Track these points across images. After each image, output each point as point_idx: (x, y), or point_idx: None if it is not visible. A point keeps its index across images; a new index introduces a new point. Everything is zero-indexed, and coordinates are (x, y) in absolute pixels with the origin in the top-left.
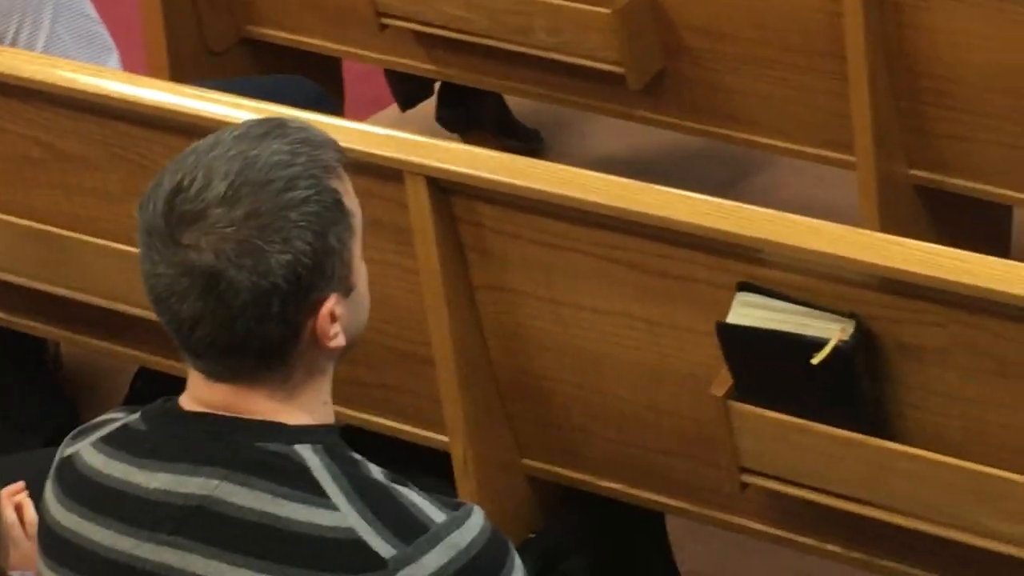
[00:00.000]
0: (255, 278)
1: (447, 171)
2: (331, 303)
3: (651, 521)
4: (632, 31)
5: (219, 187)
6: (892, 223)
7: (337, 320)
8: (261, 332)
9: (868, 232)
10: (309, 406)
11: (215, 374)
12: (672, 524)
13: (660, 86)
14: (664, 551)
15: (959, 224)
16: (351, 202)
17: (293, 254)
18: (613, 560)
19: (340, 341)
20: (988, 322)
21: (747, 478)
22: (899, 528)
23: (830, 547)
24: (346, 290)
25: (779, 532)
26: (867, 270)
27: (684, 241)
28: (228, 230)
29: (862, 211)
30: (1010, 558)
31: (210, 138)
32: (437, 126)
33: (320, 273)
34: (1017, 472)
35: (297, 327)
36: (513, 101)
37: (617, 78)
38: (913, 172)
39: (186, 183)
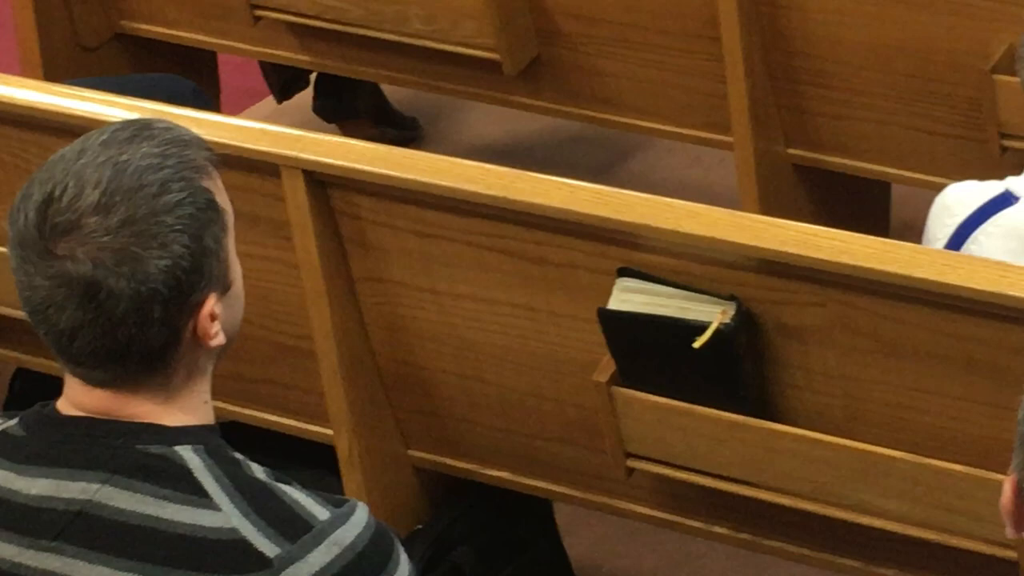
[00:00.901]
0: (135, 285)
1: (323, 164)
2: (211, 303)
3: (539, 508)
4: (506, 17)
5: (92, 196)
6: (771, 203)
7: (217, 319)
8: (143, 338)
9: (746, 214)
10: (189, 407)
11: (95, 380)
12: (560, 510)
13: (536, 71)
14: (552, 537)
15: (838, 202)
16: (223, 200)
17: (171, 259)
18: (501, 548)
19: (220, 340)
20: (867, 301)
21: (632, 463)
22: (785, 508)
23: (717, 529)
24: (224, 288)
25: (666, 516)
26: (746, 252)
27: (563, 228)
28: (104, 239)
29: (741, 191)
30: (893, 534)
31: (76, 144)
32: (314, 117)
33: (199, 275)
34: (898, 449)
35: (178, 330)
36: (390, 89)
37: (493, 64)
38: (791, 151)
39: (57, 193)
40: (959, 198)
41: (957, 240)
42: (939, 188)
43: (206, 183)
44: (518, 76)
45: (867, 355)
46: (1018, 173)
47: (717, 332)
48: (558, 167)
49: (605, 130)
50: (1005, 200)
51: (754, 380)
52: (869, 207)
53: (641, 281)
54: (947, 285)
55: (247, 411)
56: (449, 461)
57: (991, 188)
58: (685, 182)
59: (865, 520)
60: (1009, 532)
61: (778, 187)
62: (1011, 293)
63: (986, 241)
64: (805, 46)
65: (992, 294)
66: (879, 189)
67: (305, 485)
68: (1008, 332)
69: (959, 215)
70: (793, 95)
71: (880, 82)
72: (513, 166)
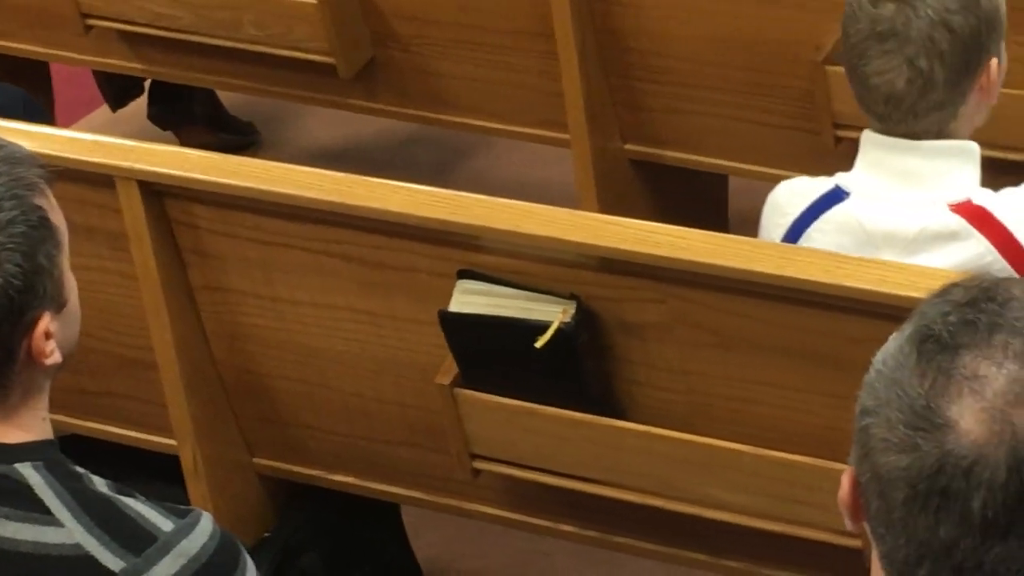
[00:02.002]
0: None
1: (158, 174)
2: (45, 322)
3: (386, 512)
4: (339, 21)
5: None
6: (609, 198)
7: (52, 337)
8: None
9: (583, 213)
10: (28, 424)
11: None
12: (408, 513)
13: (371, 74)
14: (401, 540)
15: (677, 195)
16: (56, 217)
17: (3, 278)
18: (349, 553)
19: (56, 358)
20: (706, 296)
21: (478, 464)
22: (631, 504)
23: (564, 527)
24: (58, 306)
25: (514, 515)
26: (584, 251)
27: (401, 232)
28: None
29: (579, 188)
30: (739, 527)
31: None
32: (151, 124)
33: (32, 294)
34: (741, 442)
35: (12, 349)
36: (227, 94)
37: (328, 68)
38: (628, 147)
39: None
40: (790, 196)
41: (791, 238)
42: (775, 179)
43: (38, 201)
44: (353, 79)
45: (708, 350)
46: (851, 162)
47: (558, 331)
48: (397, 169)
49: (443, 130)
50: (836, 196)
51: (597, 378)
52: (707, 200)
53: (481, 283)
54: (785, 278)
55: (89, 424)
56: (294, 468)
57: (821, 184)
58: (524, 180)
59: (711, 513)
60: (848, 525)
61: (616, 183)
62: (848, 284)
63: (820, 238)
64: (639, 42)
65: (830, 285)
66: (716, 182)
67: (150, 497)
68: (846, 323)
69: (791, 213)
70: (628, 91)
71: (714, 76)
72: (352, 169)
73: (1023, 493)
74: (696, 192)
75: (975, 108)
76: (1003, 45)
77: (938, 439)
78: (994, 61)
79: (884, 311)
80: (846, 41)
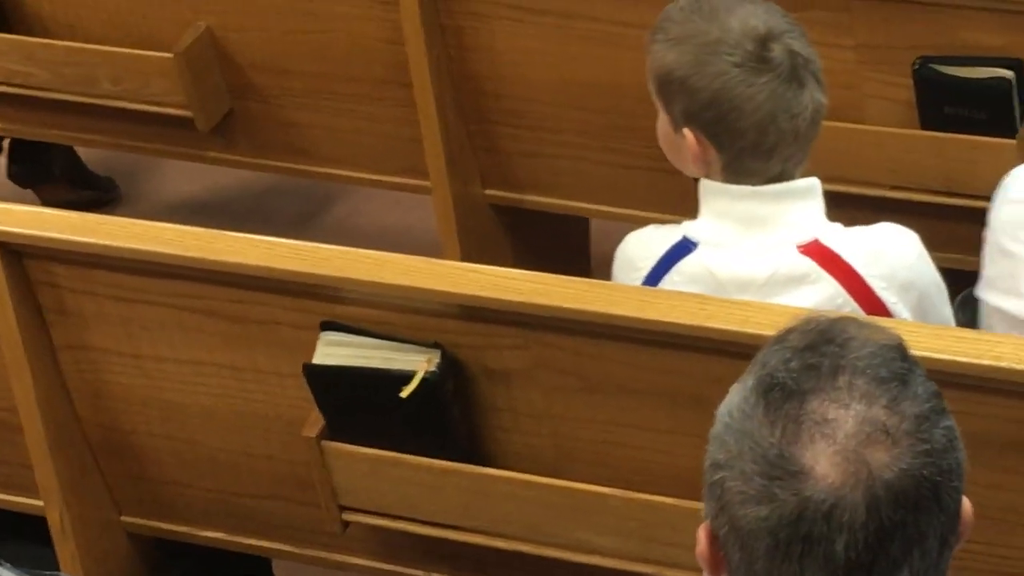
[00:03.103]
0: None
1: (16, 235)
2: None
3: (257, 566)
4: (196, 74)
5: None
6: (472, 244)
7: None
8: None
9: (443, 262)
10: None
11: None
12: (279, 567)
13: (230, 126)
14: None
15: (539, 239)
16: None
17: None
18: None
19: None
20: (569, 341)
21: (348, 516)
22: (501, 550)
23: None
24: None
25: (385, 566)
26: (446, 299)
27: (263, 285)
28: None
29: (441, 234)
30: (609, 570)
31: None
32: (9, 182)
33: None
34: (609, 485)
35: None
36: (85, 150)
37: (186, 121)
38: (488, 192)
39: None
40: (639, 250)
41: None
42: (636, 221)
43: None
44: (212, 131)
45: (573, 394)
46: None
47: (423, 381)
48: (258, 219)
49: (305, 180)
50: (684, 248)
51: (463, 425)
52: (569, 243)
53: (344, 334)
54: (647, 320)
55: None
56: (163, 525)
57: (669, 236)
58: (386, 227)
59: (580, 558)
60: None
61: (477, 228)
62: (711, 325)
63: (673, 290)
64: (496, 87)
65: (692, 327)
66: (577, 225)
67: (19, 560)
68: (710, 364)
69: (643, 268)
70: (487, 136)
71: (572, 119)
72: (213, 220)
73: (883, 531)
74: (558, 235)
75: None
76: None
77: (795, 486)
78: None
79: (748, 351)
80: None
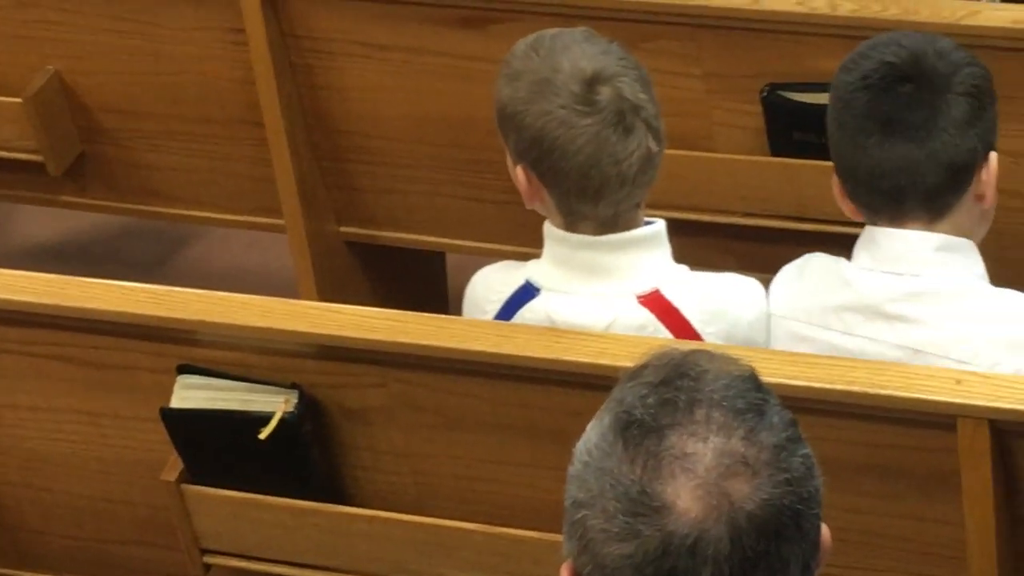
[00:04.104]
0: None
1: None
2: None
3: None
4: (46, 118)
5: None
6: (328, 282)
7: None
8: None
9: (299, 302)
10: None
11: None
12: None
13: (82, 170)
14: None
15: (395, 275)
16: None
17: None
18: None
19: None
20: (426, 378)
21: (209, 559)
22: None
23: None
24: None
25: None
26: (302, 340)
27: (119, 330)
28: None
29: (297, 273)
30: None
31: None
32: None
33: None
34: (471, 520)
35: None
36: None
37: (37, 166)
38: (343, 229)
39: None
40: (486, 293)
41: None
42: (492, 255)
43: None
44: (64, 175)
45: (432, 431)
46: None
47: (281, 421)
48: (114, 263)
49: (160, 222)
50: (528, 293)
51: (323, 465)
52: (426, 279)
53: (202, 377)
54: (504, 355)
55: None
56: (24, 575)
57: (513, 278)
58: (243, 267)
59: None
60: None
61: (334, 266)
62: (567, 358)
63: (528, 324)
64: (348, 124)
65: (548, 360)
66: (434, 260)
67: None
68: (568, 396)
69: (489, 311)
70: (341, 173)
71: (425, 154)
72: (69, 265)
73: (747, 561)
74: (414, 271)
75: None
76: None
77: (658, 522)
78: None
79: (604, 383)
80: None
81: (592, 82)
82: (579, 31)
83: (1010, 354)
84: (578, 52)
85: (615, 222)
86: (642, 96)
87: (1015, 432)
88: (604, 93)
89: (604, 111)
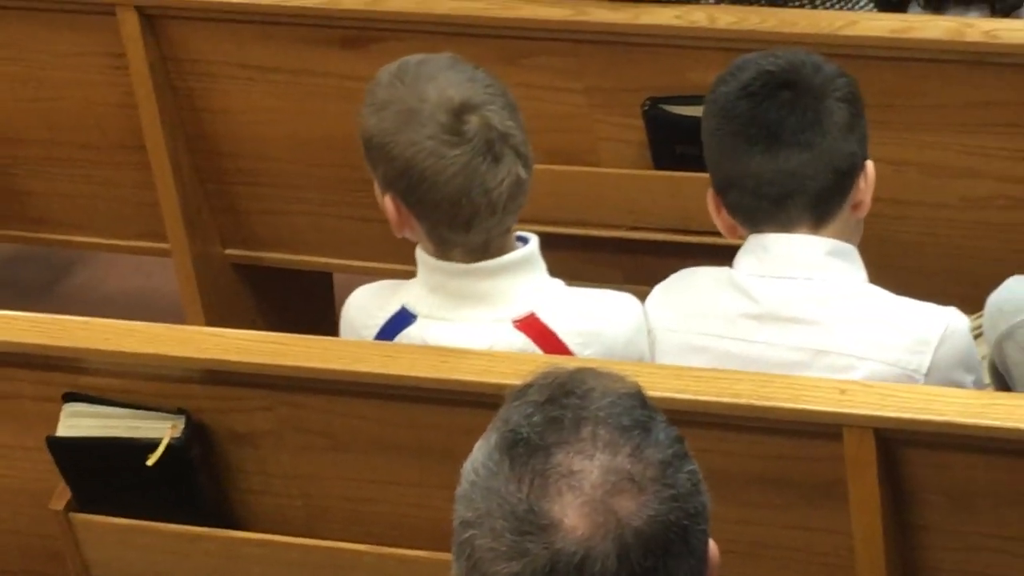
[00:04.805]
0: None
1: None
2: None
3: None
4: None
5: None
6: (215, 305)
7: None
8: None
9: (184, 327)
10: None
11: None
12: None
13: None
14: None
15: (282, 297)
16: None
17: None
18: None
19: None
20: (314, 400)
21: None
22: None
23: None
24: None
25: None
26: (188, 365)
27: (3, 359)
28: None
29: (183, 297)
30: None
31: None
32: None
33: None
34: (361, 542)
35: None
36: None
37: None
38: (228, 251)
39: None
40: (363, 318)
41: None
42: (378, 273)
43: None
44: None
45: (321, 453)
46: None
47: (169, 447)
48: (2, 289)
49: (46, 248)
50: (404, 319)
51: (213, 490)
52: (314, 299)
53: (88, 404)
54: (391, 376)
55: None
56: None
57: (389, 302)
58: (130, 292)
59: None
60: None
61: (220, 289)
62: (454, 377)
63: (415, 344)
64: (231, 147)
65: (436, 379)
66: (321, 280)
67: None
68: (454, 415)
69: (366, 336)
70: (225, 196)
71: (309, 175)
72: None
73: None
74: (302, 292)
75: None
76: None
77: (546, 540)
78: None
79: (491, 401)
80: None
81: (460, 112)
82: (444, 58)
83: (909, 355)
84: (444, 81)
85: (486, 248)
86: (510, 123)
87: (900, 440)
88: (472, 122)
89: (473, 141)
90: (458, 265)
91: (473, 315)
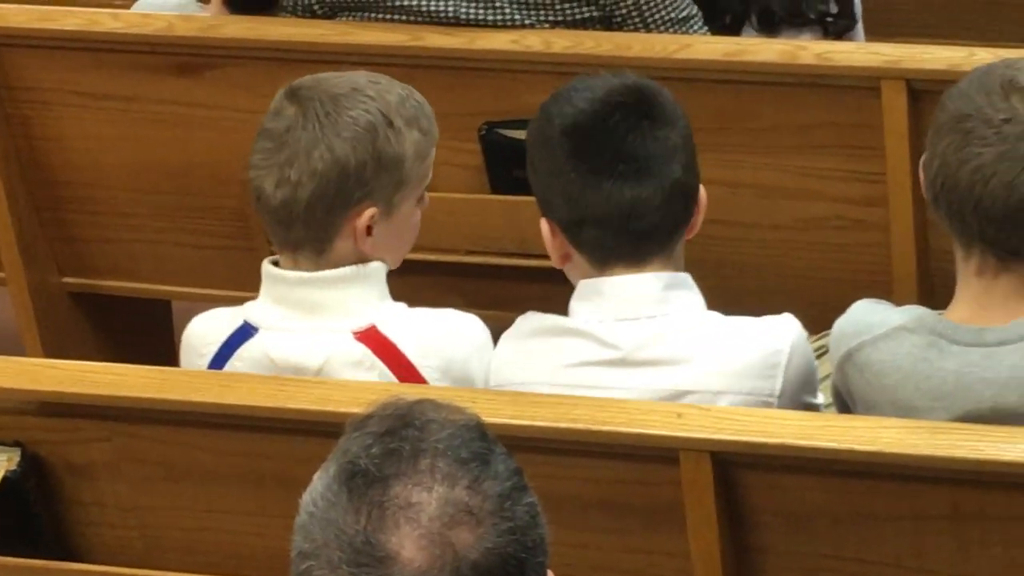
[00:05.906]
0: None
1: None
2: None
3: None
4: None
5: None
6: (53, 335)
7: None
8: None
9: (18, 359)
10: None
11: None
12: None
13: None
14: None
15: (121, 326)
16: None
17: None
18: None
19: None
20: (150, 430)
21: None
22: None
23: None
24: None
25: None
26: (23, 397)
27: None
28: None
29: (20, 327)
30: None
31: None
32: None
33: None
34: (199, 572)
35: None
36: None
37: None
38: (65, 280)
39: None
40: (203, 335)
41: None
42: (216, 300)
43: None
44: None
45: (158, 483)
46: None
47: (4, 480)
48: None
49: None
50: (246, 333)
51: (50, 523)
52: (152, 327)
53: None
54: (227, 405)
55: None
56: None
57: (232, 319)
58: None
59: None
60: None
61: (58, 318)
62: (291, 406)
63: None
64: (67, 174)
65: (273, 408)
66: (159, 308)
67: None
68: (294, 444)
69: (207, 354)
70: (62, 224)
71: (145, 202)
72: None
73: None
74: (140, 320)
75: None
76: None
77: (383, 572)
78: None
79: (330, 429)
80: None
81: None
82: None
83: (763, 380)
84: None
85: (327, 260)
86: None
87: (737, 463)
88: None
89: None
90: (301, 273)
91: (314, 325)
